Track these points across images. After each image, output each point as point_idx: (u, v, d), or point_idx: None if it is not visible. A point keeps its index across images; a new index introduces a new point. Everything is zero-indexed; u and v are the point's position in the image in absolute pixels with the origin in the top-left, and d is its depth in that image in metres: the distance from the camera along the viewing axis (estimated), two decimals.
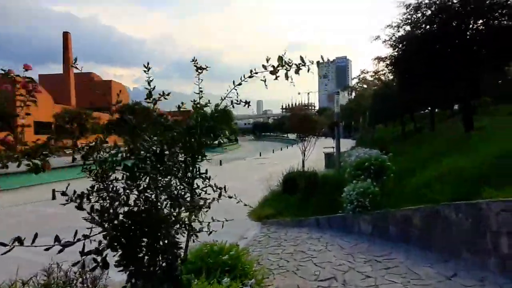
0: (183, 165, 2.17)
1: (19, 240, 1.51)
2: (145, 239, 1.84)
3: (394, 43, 14.52)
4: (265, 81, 1.96)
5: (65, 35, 58.42)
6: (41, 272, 3.17)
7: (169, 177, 2.07)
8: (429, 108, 26.19)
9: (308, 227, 8.06)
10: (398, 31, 14.62)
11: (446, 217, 4.95)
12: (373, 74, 32.77)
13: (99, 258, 1.73)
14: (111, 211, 1.79)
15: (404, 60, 14.33)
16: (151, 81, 2.15)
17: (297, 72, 1.93)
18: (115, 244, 1.73)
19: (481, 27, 13.35)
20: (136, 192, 1.92)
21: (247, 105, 2.27)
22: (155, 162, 1.90)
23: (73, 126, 38.97)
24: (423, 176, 6.75)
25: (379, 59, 21.61)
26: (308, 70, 1.91)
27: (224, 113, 2.18)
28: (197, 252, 3.97)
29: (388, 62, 18.08)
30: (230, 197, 2.44)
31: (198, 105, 2.22)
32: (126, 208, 1.86)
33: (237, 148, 60.04)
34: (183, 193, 2.20)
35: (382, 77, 29.48)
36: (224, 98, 2.20)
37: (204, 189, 2.41)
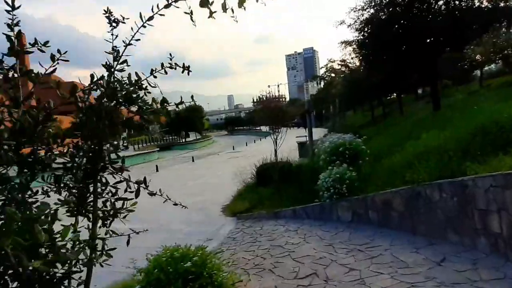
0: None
1: None
2: None
3: (359, 26, 14.34)
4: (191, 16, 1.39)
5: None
6: None
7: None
8: (395, 93, 26.66)
9: (285, 219, 7.60)
10: (362, 15, 14.46)
11: (429, 198, 4.63)
12: (340, 62, 32.97)
13: None
14: None
15: (369, 43, 14.22)
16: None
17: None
18: None
19: (442, 7, 13.44)
20: None
21: (187, 71, 1.68)
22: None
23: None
24: (401, 156, 6.46)
25: (346, 43, 21.53)
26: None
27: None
28: (155, 260, 3.35)
29: (354, 46, 17.97)
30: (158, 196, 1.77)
31: (112, 68, 1.53)
32: None
33: (211, 143, 58.95)
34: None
35: (350, 64, 29.66)
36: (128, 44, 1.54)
37: (116, 186, 1.60)
